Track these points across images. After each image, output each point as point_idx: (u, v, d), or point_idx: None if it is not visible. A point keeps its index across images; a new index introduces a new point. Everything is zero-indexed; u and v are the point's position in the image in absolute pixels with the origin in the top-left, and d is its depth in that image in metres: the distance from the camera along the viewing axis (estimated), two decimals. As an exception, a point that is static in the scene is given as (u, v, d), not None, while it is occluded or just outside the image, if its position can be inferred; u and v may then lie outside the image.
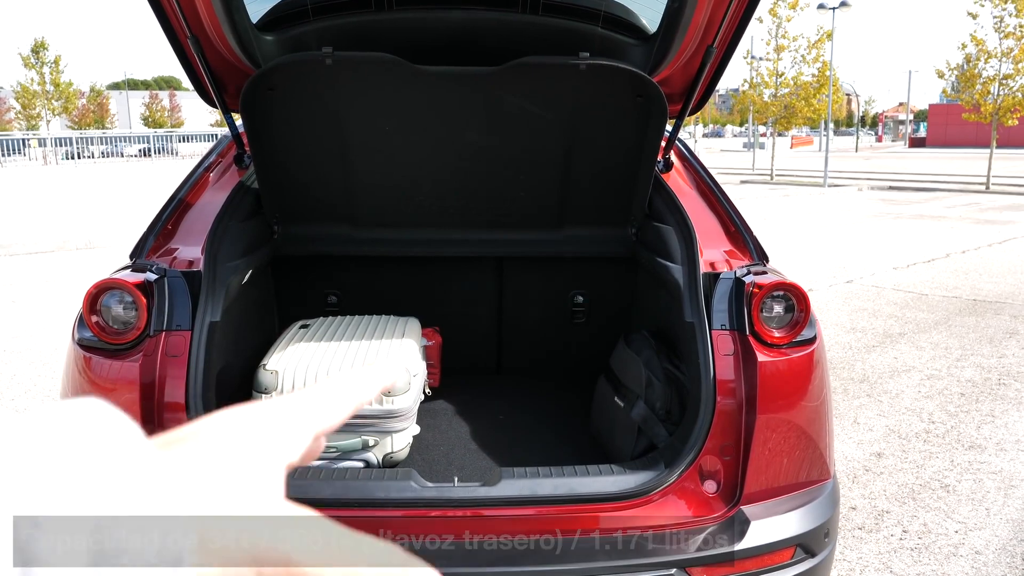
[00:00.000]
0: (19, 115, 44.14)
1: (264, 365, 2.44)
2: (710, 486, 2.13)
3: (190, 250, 2.40)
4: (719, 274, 2.31)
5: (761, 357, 2.14)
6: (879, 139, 73.41)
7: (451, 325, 3.31)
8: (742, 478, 2.11)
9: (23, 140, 35.92)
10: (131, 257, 2.36)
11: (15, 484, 0.26)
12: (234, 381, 2.53)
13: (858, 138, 58.67)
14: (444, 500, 2.04)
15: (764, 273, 2.31)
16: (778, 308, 2.21)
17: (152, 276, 2.16)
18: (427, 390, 3.00)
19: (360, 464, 2.40)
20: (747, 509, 2.09)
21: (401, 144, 2.77)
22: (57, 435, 0.29)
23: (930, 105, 63.68)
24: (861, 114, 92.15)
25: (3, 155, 33.75)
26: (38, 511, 0.26)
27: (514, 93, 2.59)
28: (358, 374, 0.43)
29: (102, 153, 37.98)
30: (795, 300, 2.21)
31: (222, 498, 0.33)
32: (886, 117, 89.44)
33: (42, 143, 35.82)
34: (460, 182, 2.94)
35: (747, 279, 2.25)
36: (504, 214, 3.09)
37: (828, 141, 23.66)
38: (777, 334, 2.18)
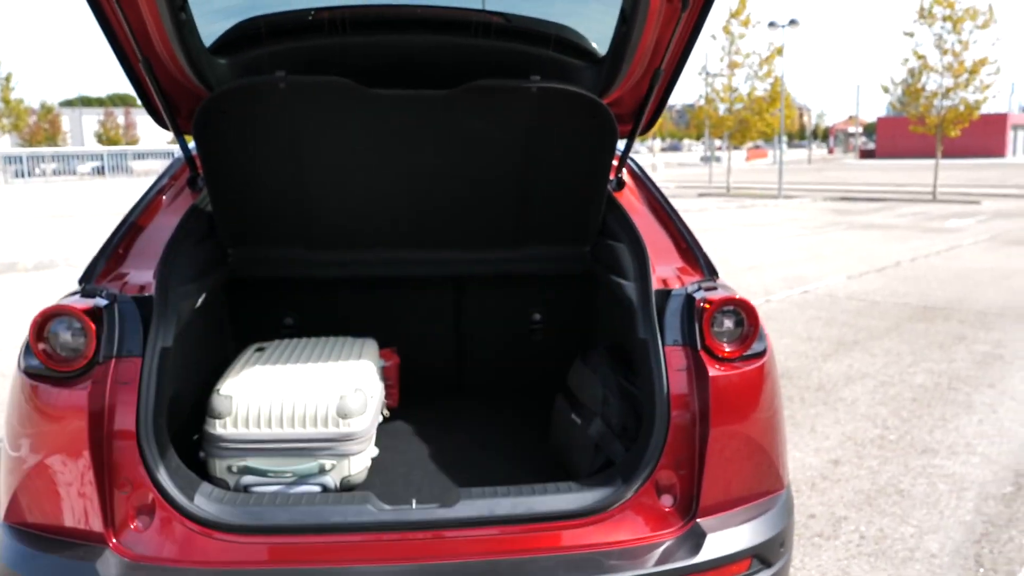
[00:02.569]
0: (-34, 132, 43.00)
1: (218, 390, 2.41)
2: (667, 500, 2.15)
3: (141, 274, 2.36)
4: (671, 290, 2.34)
5: (712, 371, 2.17)
6: (831, 151, 75.01)
7: (411, 345, 3.30)
8: (698, 491, 2.14)
9: (-30, 158, 34.94)
10: (80, 282, 2.32)
11: None
12: (188, 407, 2.50)
13: (811, 150, 59.84)
14: (402, 523, 2.02)
15: (714, 289, 2.35)
16: (728, 323, 2.24)
17: (102, 302, 2.12)
18: (385, 411, 2.98)
19: (317, 488, 2.37)
20: (703, 522, 2.11)
21: (356, 166, 2.77)
22: None
23: (878, 118, 65.23)
24: (813, 127, 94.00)
25: (-52, 173, 32.84)
26: None
27: (467, 115, 2.60)
28: None
29: (54, 171, 37.12)
30: (744, 315, 2.25)
31: None
32: (837, 130, 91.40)
33: (-9, 160, 34.91)
34: (416, 203, 2.95)
35: (697, 295, 2.28)
36: (461, 233, 3.09)
37: (782, 154, 24.20)
38: (728, 348, 2.21)
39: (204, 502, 2.03)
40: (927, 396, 5.34)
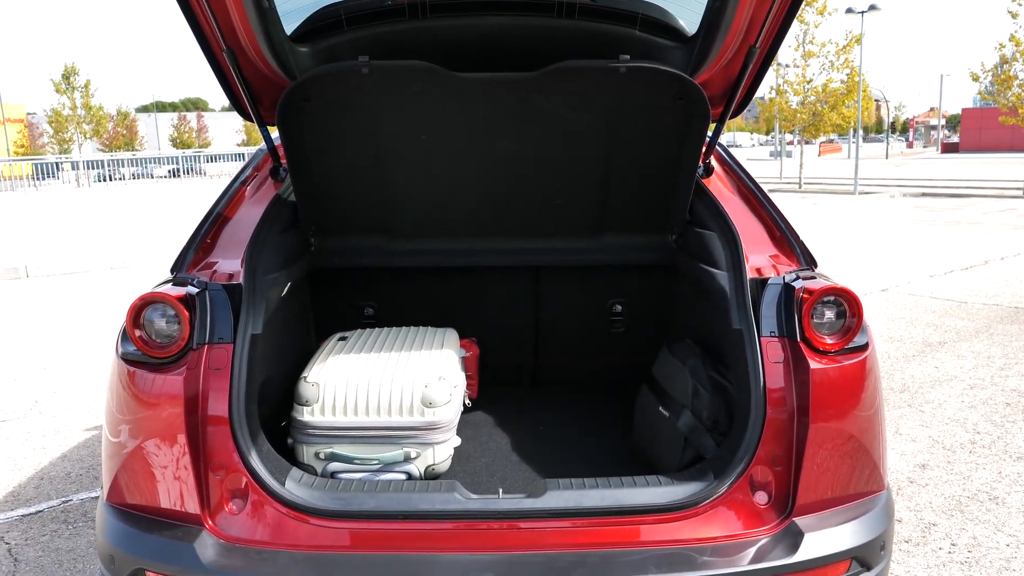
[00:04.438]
0: (52, 139, 45.00)
1: (305, 377, 2.43)
2: (761, 497, 2.07)
3: (229, 263, 2.39)
4: (767, 280, 2.26)
5: (813, 364, 2.08)
6: (910, 145, 72.35)
7: (488, 336, 3.28)
8: (794, 489, 2.05)
9: (56, 164, 36.56)
10: (172, 271, 2.37)
11: None
12: (276, 393, 2.52)
13: (888, 144, 57.82)
14: (489, 512, 2.00)
15: (813, 278, 2.26)
16: (829, 314, 2.15)
17: (194, 289, 2.15)
18: (467, 401, 2.97)
19: (402, 476, 2.37)
20: (800, 521, 2.03)
21: (437, 153, 2.75)
22: None
23: (963, 109, 62.75)
24: (891, 120, 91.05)
25: (38, 178, 34.40)
26: None
27: (552, 98, 2.56)
28: None
29: (132, 175, 38.56)
30: (847, 305, 2.15)
31: None
32: (917, 122, 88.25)
33: (75, 166, 36.45)
34: (497, 190, 2.92)
35: (796, 284, 2.20)
36: (541, 222, 3.05)
37: (858, 148, 23.36)
38: (829, 341, 2.13)
39: (294, 487, 2.04)
40: (1022, 401, 5.07)
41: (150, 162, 41.70)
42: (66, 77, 41.94)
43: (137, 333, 2.07)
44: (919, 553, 3.24)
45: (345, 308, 3.29)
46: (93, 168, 36.53)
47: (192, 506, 2.01)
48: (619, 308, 3.38)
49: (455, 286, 3.33)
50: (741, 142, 78.68)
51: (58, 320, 8.14)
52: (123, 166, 38.32)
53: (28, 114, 69.09)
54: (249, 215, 2.64)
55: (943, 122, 74.87)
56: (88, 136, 42.79)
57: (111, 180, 35.50)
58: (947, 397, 5.16)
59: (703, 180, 2.91)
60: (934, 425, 4.67)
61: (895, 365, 5.91)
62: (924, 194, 22.10)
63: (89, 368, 6.19)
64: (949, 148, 59.85)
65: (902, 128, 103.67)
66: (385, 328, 2.98)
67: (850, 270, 10.08)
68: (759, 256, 2.46)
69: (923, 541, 3.33)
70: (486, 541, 1.98)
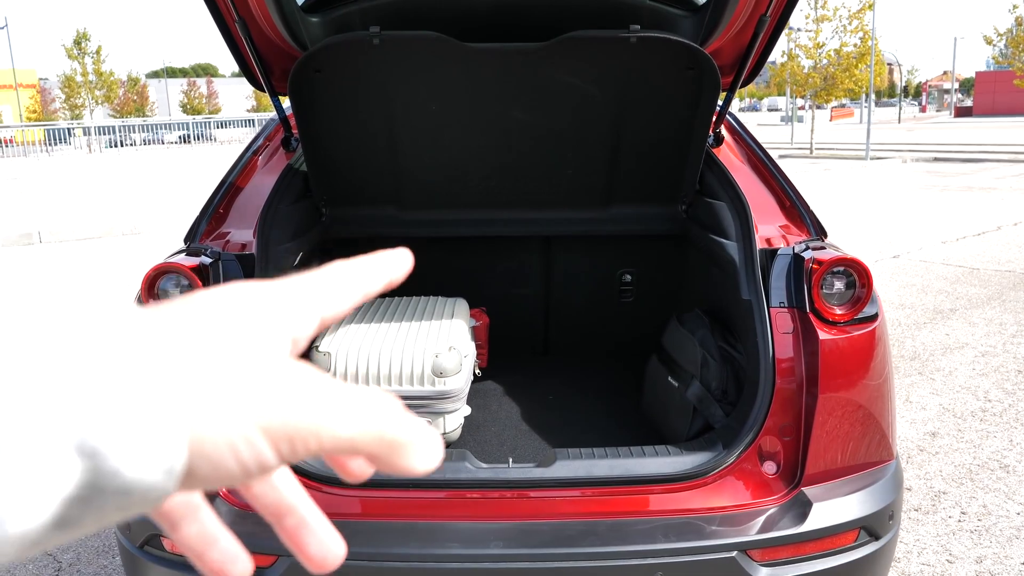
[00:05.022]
0: (64, 105, 44.98)
1: (316, 347, 2.45)
2: (769, 467, 2.09)
3: (242, 233, 2.41)
4: (776, 250, 2.25)
5: (822, 335, 2.08)
6: (923, 109, 71.44)
7: (498, 305, 3.29)
8: (803, 459, 2.07)
9: (68, 129, 36.60)
10: (185, 241, 2.38)
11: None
12: None
13: (901, 109, 57.06)
14: (499, 481, 2.03)
15: (823, 248, 2.25)
16: (839, 284, 2.15)
17: (207, 260, 2.17)
18: (477, 371, 2.99)
19: None
20: (808, 491, 2.05)
21: (447, 124, 2.75)
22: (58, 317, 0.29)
23: (977, 72, 61.84)
24: (904, 84, 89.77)
25: (50, 144, 34.46)
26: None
27: (562, 68, 2.54)
28: (367, 261, 0.41)
29: (143, 140, 38.60)
30: (857, 276, 2.15)
31: (218, 358, 0.31)
32: (930, 86, 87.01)
33: (86, 132, 36.49)
34: (507, 161, 2.91)
35: (806, 255, 2.19)
36: (551, 193, 3.05)
37: (870, 112, 23.04)
38: (838, 311, 2.12)
39: None
40: (1035, 368, 5.07)
41: (161, 128, 41.69)
42: (77, 43, 41.81)
43: (151, 303, 2.08)
44: (928, 522, 3.25)
45: None
46: (104, 134, 36.59)
47: None
48: (629, 278, 3.38)
49: (465, 256, 3.34)
50: (780, 105, 76.38)
51: (70, 286, 8.18)
52: (134, 132, 38.36)
53: (40, 79, 69.04)
54: (261, 185, 2.65)
55: (956, 86, 73.75)
56: (99, 102, 42.76)
57: (122, 146, 35.54)
58: (958, 365, 5.15)
59: (713, 150, 2.90)
60: (945, 393, 4.66)
61: (906, 332, 5.89)
62: (937, 159, 21.81)
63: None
64: (962, 112, 59.08)
65: (915, 92, 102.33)
66: (396, 298, 2.99)
67: (861, 236, 10.01)
68: (769, 226, 2.45)
69: (932, 510, 3.35)
70: (496, 509, 2.01)
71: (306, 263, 2.74)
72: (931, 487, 3.55)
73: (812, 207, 2.61)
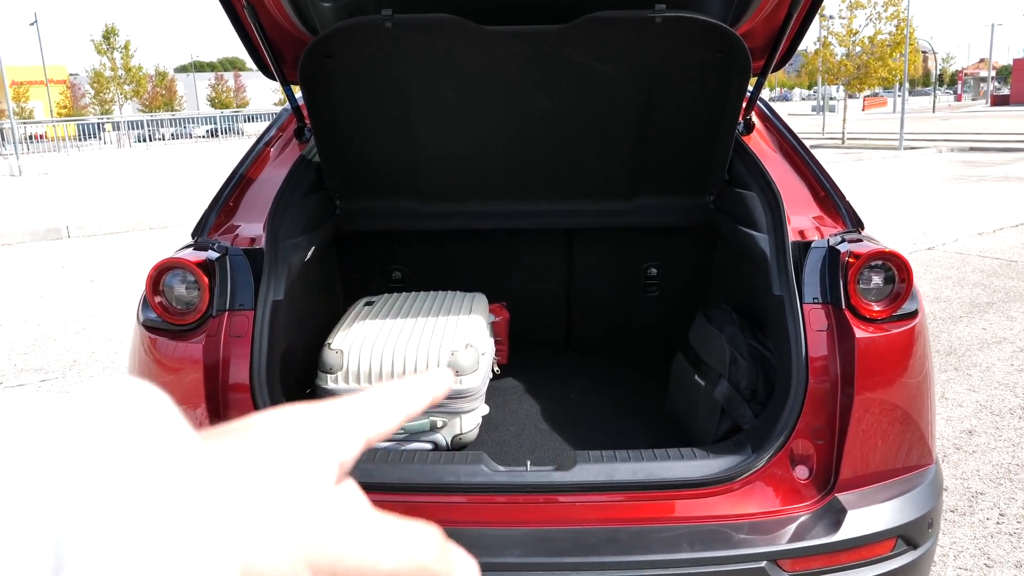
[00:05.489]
0: (93, 100, 45.55)
1: (329, 344, 2.38)
2: (801, 472, 1.98)
3: (252, 227, 2.34)
4: (810, 243, 2.14)
5: (859, 333, 1.97)
6: (958, 98, 70.10)
7: (519, 300, 3.21)
8: (837, 463, 1.96)
9: (98, 124, 37.05)
10: (193, 235, 2.32)
11: (43, 483, 0.26)
12: (299, 361, 2.48)
13: (935, 98, 55.94)
14: (517, 485, 1.94)
15: (860, 241, 2.14)
16: (877, 279, 2.03)
17: (213, 255, 2.10)
18: (496, 368, 2.91)
19: (428, 446, 2.32)
20: (842, 497, 1.94)
21: (465, 111, 2.65)
22: (93, 424, 0.28)
23: (1015, 60, 60.47)
24: (939, 72, 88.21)
25: (80, 139, 34.91)
26: (67, 519, 0.26)
27: (584, 52, 2.43)
28: (410, 383, 0.43)
29: (172, 135, 38.99)
30: (896, 270, 2.03)
31: (269, 491, 0.32)
32: (966, 75, 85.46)
33: (116, 127, 36.93)
34: (527, 150, 2.81)
35: (842, 248, 2.08)
36: (574, 183, 2.95)
37: (904, 101, 22.63)
38: (876, 308, 2.01)
39: None
40: (1077, 363, 4.89)
41: (189, 122, 42.11)
42: (106, 37, 42.28)
43: (157, 299, 2.03)
44: (965, 524, 3.12)
45: (373, 272, 3.23)
46: (134, 128, 36.99)
47: None
48: (654, 272, 3.27)
49: (485, 249, 3.25)
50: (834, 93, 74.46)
51: (98, 280, 8.24)
52: (163, 126, 38.76)
53: (71, 75, 70.06)
54: (272, 177, 2.58)
55: (993, 74, 72.31)
56: (128, 97, 43.22)
57: (151, 140, 35.92)
58: (995, 360, 4.98)
59: (743, 137, 2.78)
60: (982, 389, 4.51)
61: (941, 326, 5.72)
62: (973, 149, 21.36)
63: (127, 330, 6.26)
64: (999, 101, 57.84)
65: (950, 81, 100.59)
66: (413, 293, 2.92)
67: (895, 228, 9.79)
68: (802, 217, 2.34)
69: (970, 511, 3.22)
70: (513, 515, 1.92)
71: (319, 257, 2.67)
72: (968, 487, 3.42)
73: (848, 198, 2.48)
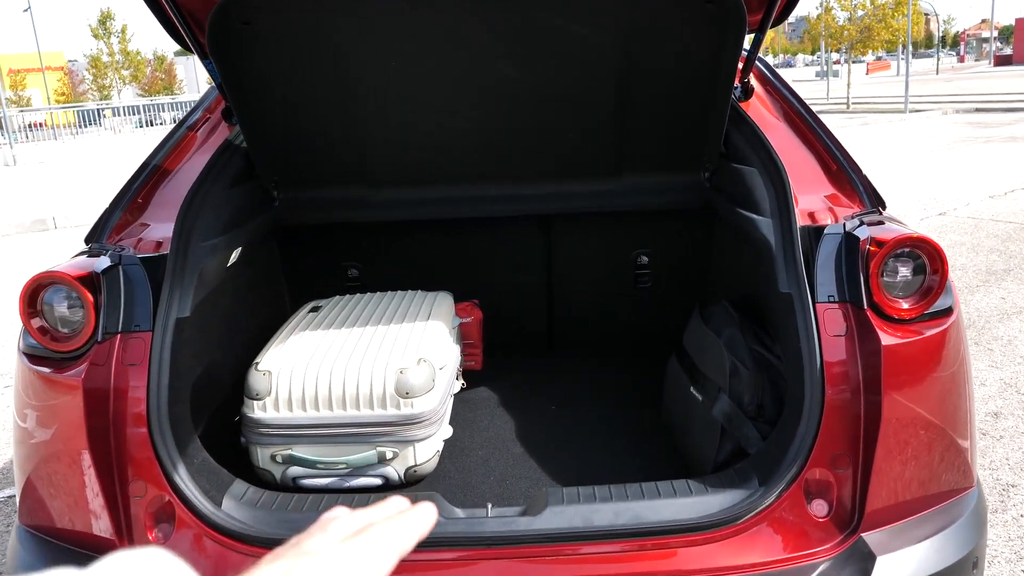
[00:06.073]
0: (92, 86, 45.20)
1: (256, 364, 2.03)
2: (819, 508, 1.66)
3: (162, 228, 1.99)
4: (822, 228, 1.81)
5: (885, 338, 1.64)
6: (961, 59, 69.78)
7: (492, 297, 2.89)
8: (861, 496, 1.64)
9: (98, 111, 36.64)
10: (87, 241, 1.96)
11: None
12: (227, 384, 2.14)
13: (939, 59, 55.73)
14: (473, 538, 1.61)
15: (882, 224, 1.80)
16: (904, 271, 1.71)
17: (105, 263, 1.76)
18: (461, 381, 2.57)
19: (377, 481, 1.99)
20: (869, 538, 1.63)
21: (419, 84, 2.29)
22: None
23: (1017, 19, 59.89)
24: (941, 34, 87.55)
25: (82, 126, 34.53)
26: None
27: (554, 12, 2.08)
28: (394, 526, 0.49)
29: (172, 119, 38.61)
30: (927, 259, 1.71)
31: None
32: (968, 36, 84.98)
33: (116, 112, 36.56)
34: (495, 125, 2.46)
35: (861, 233, 1.75)
36: (550, 162, 2.61)
37: (908, 63, 22.42)
38: (904, 306, 1.69)
39: (233, 507, 1.67)
40: (1106, 336, 4.57)
41: (189, 106, 41.69)
42: (102, 22, 41.88)
43: (35, 322, 1.68)
44: (998, 522, 2.81)
45: (324, 271, 2.89)
46: (133, 113, 36.65)
47: (106, 531, 1.66)
48: (645, 261, 2.95)
49: (453, 240, 2.92)
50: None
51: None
52: (163, 111, 38.37)
53: (69, 61, 69.66)
54: (193, 167, 2.23)
55: (995, 34, 71.67)
56: (127, 81, 42.90)
57: (152, 125, 35.54)
58: (1018, 332, 4.69)
59: (741, 104, 2.43)
60: (1005, 366, 4.21)
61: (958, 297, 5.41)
62: (978, 110, 21.20)
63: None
64: (1002, 60, 57.37)
65: (952, 42, 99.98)
66: (368, 294, 2.59)
67: (904, 193, 9.50)
68: (812, 197, 2.02)
69: (1002, 507, 2.91)
70: (472, 572, 1.59)
71: (251, 258, 2.32)
72: (998, 479, 3.11)
73: (865, 172, 2.13)
